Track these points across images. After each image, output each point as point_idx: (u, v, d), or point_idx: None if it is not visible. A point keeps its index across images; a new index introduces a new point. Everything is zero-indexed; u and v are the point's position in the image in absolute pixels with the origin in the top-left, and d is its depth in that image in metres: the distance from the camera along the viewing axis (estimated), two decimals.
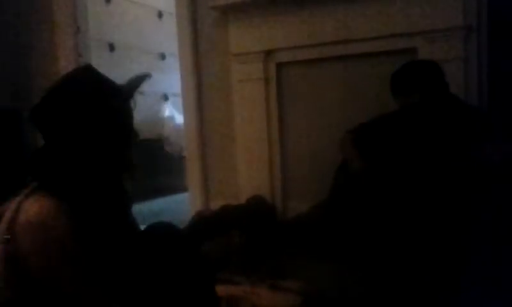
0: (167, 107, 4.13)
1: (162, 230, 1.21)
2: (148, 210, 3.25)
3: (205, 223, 2.36)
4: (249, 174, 2.58)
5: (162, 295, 1.07)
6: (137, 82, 1.11)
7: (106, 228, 1.03)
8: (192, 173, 2.77)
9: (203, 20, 2.67)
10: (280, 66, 2.51)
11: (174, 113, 4.09)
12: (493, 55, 2.08)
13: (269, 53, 2.49)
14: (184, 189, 3.32)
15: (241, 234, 2.15)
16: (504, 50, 2.07)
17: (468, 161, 1.56)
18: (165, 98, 4.12)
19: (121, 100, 1.07)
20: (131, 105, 1.10)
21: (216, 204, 2.59)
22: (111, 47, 3.49)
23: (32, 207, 0.93)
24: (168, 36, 3.54)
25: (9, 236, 0.91)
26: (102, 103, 1.04)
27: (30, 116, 1.04)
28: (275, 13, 2.42)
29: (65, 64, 3.03)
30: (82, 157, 1.03)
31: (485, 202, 1.48)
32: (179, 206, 3.25)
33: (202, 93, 2.73)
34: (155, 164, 3.74)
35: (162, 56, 4.05)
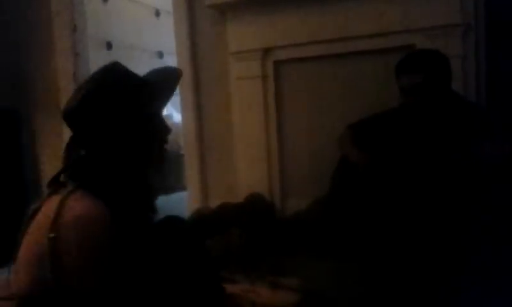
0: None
1: (172, 224, 1.23)
2: None
3: (204, 221, 2.36)
4: (247, 172, 2.57)
5: (172, 287, 1.07)
6: (174, 82, 1.14)
7: (137, 227, 1.03)
8: (191, 171, 2.76)
9: (201, 18, 2.67)
10: (277, 63, 2.50)
11: (172, 111, 4.09)
12: (490, 52, 2.09)
13: (266, 51, 2.49)
14: (182, 188, 3.32)
15: (240, 232, 2.15)
16: (501, 48, 2.07)
17: (468, 158, 1.56)
18: None
19: (154, 95, 1.09)
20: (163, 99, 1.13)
21: (214, 203, 2.59)
22: (109, 46, 3.48)
23: (77, 205, 0.94)
24: (165, 35, 3.53)
25: (54, 235, 0.91)
26: (136, 101, 1.05)
27: (65, 117, 1.05)
28: (273, 11, 2.42)
29: (62, 63, 3.03)
30: (120, 155, 1.04)
31: (485, 200, 1.48)
32: (178, 205, 3.24)
33: (200, 91, 2.72)
34: None
35: (160, 55, 4.04)
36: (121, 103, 1.03)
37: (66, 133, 3.36)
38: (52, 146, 3.07)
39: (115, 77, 1.07)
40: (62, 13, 3.01)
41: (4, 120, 2.91)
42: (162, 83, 1.13)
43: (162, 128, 1.14)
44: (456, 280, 1.41)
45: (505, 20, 2.05)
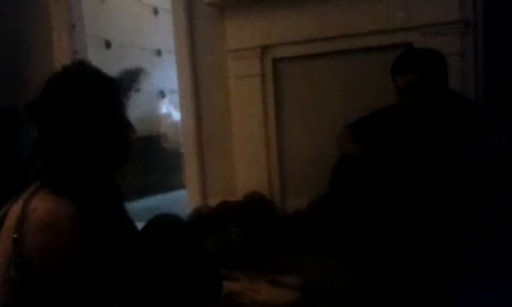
0: (164, 103, 4.12)
1: (168, 221, 1.23)
2: (145, 207, 3.24)
3: (203, 220, 2.36)
4: (246, 171, 2.57)
5: (167, 285, 1.07)
6: (134, 76, 1.11)
7: (106, 223, 1.02)
8: (190, 170, 2.76)
9: (199, 16, 2.66)
10: (276, 61, 2.50)
11: (171, 110, 4.08)
12: (489, 49, 2.09)
13: (265, 49, 2.48)
14: (181, 186, 3.32)
15: (240, 230, 2.15)
16: (500, 45, 2.08)
17: (466, 155, 1.56)
18: (162, 95, 4.11)
19: (120, 93, 1.07)
20: (126, 99, 1.10)
21: (213, 201, 2.59)
22: (107, 44, 3.48)
23: (41, 206, 0.92)
24: (164, 33, 3.53)
25: (17, 236, 0.89)
26: (101, 97, 1.04)
27: (27, 111, 1.03)
28: (271, 9, 2.42)
29: (61, 62, 3.01)
30: (83, 152, 1.02)
31: (483, 198, 1.48)
32: (177, 204, 3.24)
33: (199, 90, 2.72)
34: (152, 161, 3.74)
35: (159, 53, 4.04)
36: (83, 98, 1.01)
37: None
38: None
39: (79, 71, 1.06)
40: (61, 11, 3.00)
41: (3, 119, 2.91)
42: (125, 79, 1.11)
43: (125, 126, 1.11)
44: (455, 277, 1.41)
45: (503, 18, 2.05)
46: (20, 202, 0.94)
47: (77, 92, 1.01)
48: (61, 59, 3.01)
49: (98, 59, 3.18)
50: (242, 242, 2.10)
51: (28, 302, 0.89)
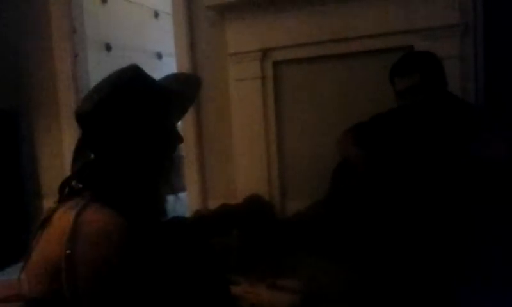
0: None
1: (181, 224, 1.22)
2: None
3: (203, 223, 2.36)
4: (247, 174, 2.58)
5: (182, 289, 1.07)
6: (194, 89, 1.11)
7: (152, 232, 1.01)
8: (190, 172, 2.76)
9: (200, 19, 2.67)
10: (277, 64, 2.50)
11: None
12: (489, 53, 2.09)
13: (266, 52, 2.49)
14: (181, 189, 3.32)
15: (240, 233, 2.15)
16: (500, 48, 2.08)
17: (468, 158, 1.56)
18: None
19: (176, 109, 1.06)
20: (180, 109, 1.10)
21: (214, 204, 2.58)
22: (108, 47, 3.48)
23: (93, 219, 0.91)
24: (164, 36, 3.53)
25: (71, 251, 0.88)
26: (157, 111, 1.02)
27: (78, 120, 1.00)
28: (272, 12, 2.42)
29: (62, 65, 3.02)
30: (133, 163, 1.01)
31: (484, 201, 1.48)
32: (177, 206, 3.23)
33: (199, 93, 2.72)
34: None
35: (159, 56, 4.04)
36: (139, 110, 0.99)
37: (66, 135, 3.34)
38: (51, 147, 3.07)
39: (134, 81, 1.02)
40: (61, 15, 3.01)
41: (3, 121, 2.91)
42: (182, 93, 1.09)
43: (176, 137, 1.10)
44: (455, 281, 1.41)
45: (503, 20, 2.05)
46: (71, 213, 0.92)
47: (131, 103, 0.99)
48: (61, 62, 3.03)
49: (98, 62, 3.21)
50: (243, 245, 2.10)
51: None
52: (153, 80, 1.06)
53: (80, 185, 1.01)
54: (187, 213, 2.62)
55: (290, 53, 2.46)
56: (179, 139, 1.11)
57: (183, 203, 2.97)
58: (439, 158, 1.63)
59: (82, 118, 1.00)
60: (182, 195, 3.23)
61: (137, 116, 0.99)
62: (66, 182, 1.01)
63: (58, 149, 3.03)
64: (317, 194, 2.12)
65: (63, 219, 0.93)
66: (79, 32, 3.09)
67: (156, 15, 4.08)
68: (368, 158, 1.78)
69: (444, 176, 1.59)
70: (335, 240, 1.84)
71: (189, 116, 2.72)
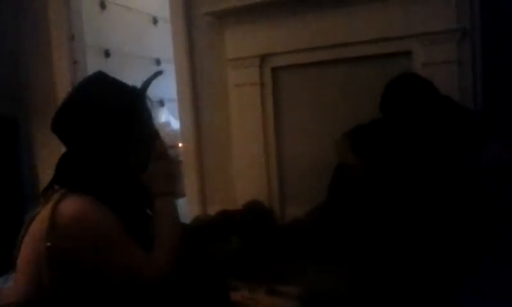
0: (163, 112, 4.12)
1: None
2: None
3: (203, 229, 2.35)
4: (246, 180, 2.57)
5: (180, 293, 1.07)
6: (149, 79, 1.16)
7: (135, 225, 1.03)
8: (190, 178, 2.76)
9: (198, 25, 2.68)
10: (275, 70, 2.51)
11: (170, 119, 4.09)
12: (487, 57, 2.09)
13: (264, 57, 2.49)
14: (181, 194, 3.31)
15: (239, 239, 2.15)
16: (498, 53, 2.08)
17: (465, 163, 1.57)
18: (161, 103, 4.11)
19: (138, 100, 1.10)
20: (148, 105, 1.14)
21: (213, 210, 2.58)
22: (107, 54, 3.49)
23: (69, 206, 0.95)
24: (163, 42, 3.54)
25: (50, 244, 0.92)
26: (121, 106, 1.07)
27: (52, 125, 1.07)
28: (270, 18, 2.43)
29: (61, 71, 3.03)
30: (108, 158, 1.05)
31: (483, 207, 1.48)
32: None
33: (198, 99, 2.73)
34: None
35: (158, 62, 4.05)
36: (103, 106, 1.05)
37: None
38: (50, 153, 3.07)
39: (100, 82, 1.10)
40: (60, 22, 3.01)
41: (3, 127, 2.91)
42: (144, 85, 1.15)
43: (147, 129, 1.14)
44: (456, 282, 1.41)
45: (501, 25, 2.06)
46: (48, 209, 0.96)
47: (98, 104, 1.05)
48: (60, 68, 3.03)
49: (97, 68, 3.20)
50: (242, 250, 2.09)
51: (58, 302, 0.92)
52: (117, 79, 1.13)
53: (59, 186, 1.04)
54: (187, 220, 2.62)
55: (288, 59, 2.46)
56: (154, 133, 1.15)
57: (182, 208, 2.97)
58: (437, 163, 1.63)
59: (53, 122, 1.07)
60: (181, 201, 3.23)
61: (104, 114, 1.05)
62: (48, 186, 1.06)
63: (57, 156, 3.02)
64: (316, 199, 2.12)
65: (42, 214, 0.97)
66: (77, 39, 3.10)
67: (155, 21, 4.09)
68: (365, 165, 1.78)
69: (441, 181, 1.59)
70: (334, 245, 1.84)
71: (188, 122, 2.73)
